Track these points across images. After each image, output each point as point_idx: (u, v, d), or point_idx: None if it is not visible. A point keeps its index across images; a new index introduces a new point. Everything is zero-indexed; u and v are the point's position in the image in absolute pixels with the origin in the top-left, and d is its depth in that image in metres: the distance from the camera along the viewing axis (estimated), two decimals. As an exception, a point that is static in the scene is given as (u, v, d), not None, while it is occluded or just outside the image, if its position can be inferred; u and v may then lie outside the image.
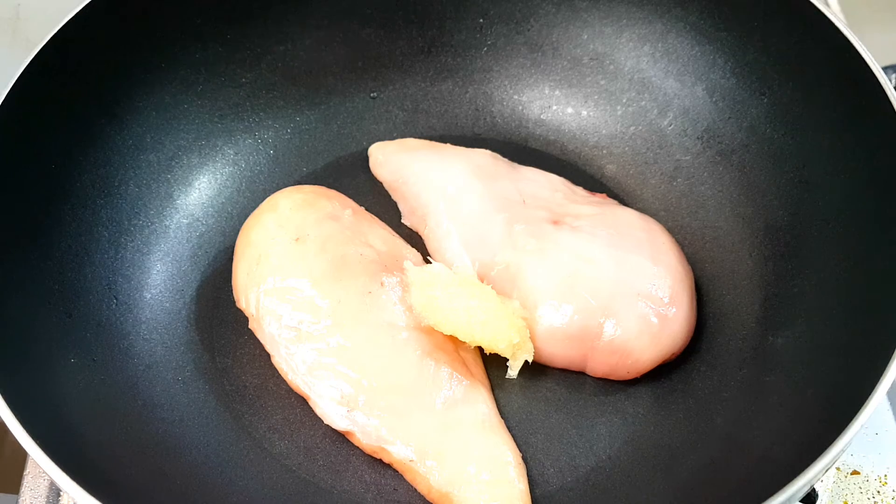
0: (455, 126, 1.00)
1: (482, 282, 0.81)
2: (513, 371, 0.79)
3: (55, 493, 0.82)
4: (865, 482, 0.82)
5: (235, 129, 0.96)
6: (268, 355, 0.81)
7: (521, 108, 1.00)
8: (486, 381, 0.81)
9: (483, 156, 0.92)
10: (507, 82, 1.00)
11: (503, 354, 0.78)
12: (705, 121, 0.92)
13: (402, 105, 1.00)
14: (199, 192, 0.93)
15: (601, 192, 0.92)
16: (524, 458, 0.77)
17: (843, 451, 0.62)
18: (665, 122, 0.94)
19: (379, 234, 0.87)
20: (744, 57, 0.88)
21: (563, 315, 0.79)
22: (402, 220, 0.92)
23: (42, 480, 0.83)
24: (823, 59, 0.81)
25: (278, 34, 0.96)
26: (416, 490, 0.76)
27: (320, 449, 0.79)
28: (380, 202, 0.94)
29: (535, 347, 0.80)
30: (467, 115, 1.00)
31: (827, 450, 0.61)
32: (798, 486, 0.60)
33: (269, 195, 0.89)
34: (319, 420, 0.78)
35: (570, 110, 0.99)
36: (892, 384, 0.63)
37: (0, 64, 0.84)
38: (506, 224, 0.85)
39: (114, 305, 0.84)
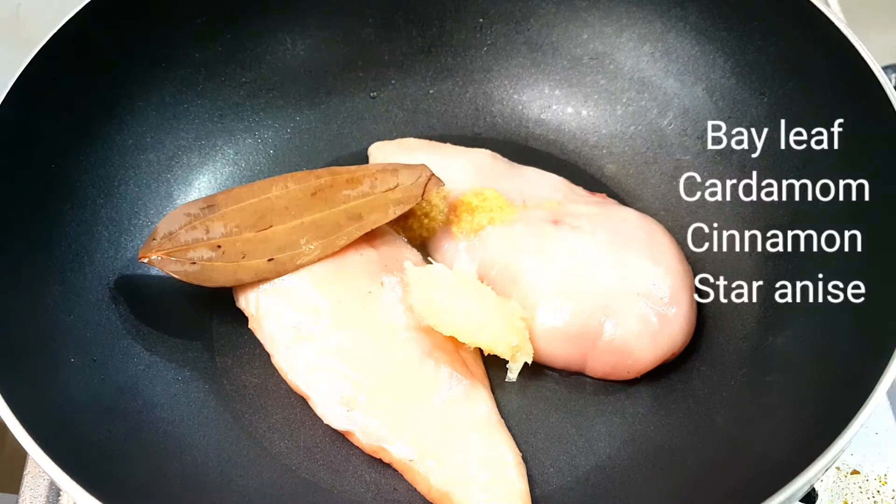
0: (455, 126, 1.00)
1: (482, 282, 0.81)
2: (512, 374, 0.79)
3: (55, 493, 0.82)
4: (865, 482, 0.82)
5: (235, 129, 0.96)
6: (268, 355, 0.81)
7: (521, 107, 1.00)
8: (486, 381, 0.81)
9: (483, 156, 0.92)
10: (507, 82, 1.00)
11: (502, 356, 0.78)
12: (705, 121, 0.92)
13: (402, 105, 1.00)
14: (199, 192, 0.93)
15: (601, 192, 0.92)
16: (524, 458, 0.76)
17: (843, 450, 0.62)
18: (665, 122, 0.94)
19: (379, 234, 0.87)
20: (744, 57, 0.88)
21: (562, 315, 0.79)
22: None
23: (42, 480, 0.83)
24: (823, 59, 0.81)
25: (278, 34, 0.96)
26: (416, 490, 0.76)
27: (320, 449, 0.79)
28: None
29: (534, 347, 0.79)
30: (467, 115, 1.00)
31: (827, 449, 0.61)
32: (798, 486, 0.60)
33: (269, 195, 0.89)
34: (319, 420, 0.78)
35: (570, 110, 0.98)
36: (892, 384, 0.63)
37: (0, 64, 0.83)
38: (506, 223, 0.85)
39: (114, 305, 0.84)
